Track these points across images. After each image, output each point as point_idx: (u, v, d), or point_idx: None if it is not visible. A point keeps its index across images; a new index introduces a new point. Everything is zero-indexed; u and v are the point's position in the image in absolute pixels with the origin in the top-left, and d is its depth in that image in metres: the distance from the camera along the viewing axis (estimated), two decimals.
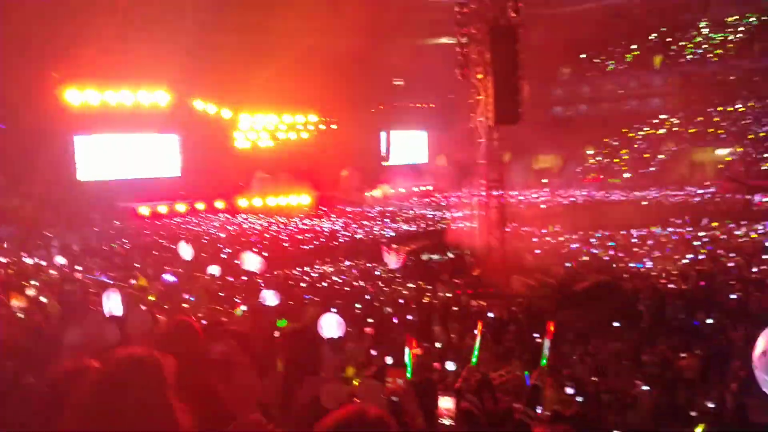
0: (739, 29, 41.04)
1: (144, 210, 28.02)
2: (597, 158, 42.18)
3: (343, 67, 32.12)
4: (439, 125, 41.93)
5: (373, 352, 7.13)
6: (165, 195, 29.48)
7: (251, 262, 6.33)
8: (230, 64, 29.89)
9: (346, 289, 14.22)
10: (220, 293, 11.93)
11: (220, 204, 30.59)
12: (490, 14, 16.32)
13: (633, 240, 18.77)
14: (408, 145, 44.40)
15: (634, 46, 44.80)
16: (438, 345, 8.34)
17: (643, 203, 29.28)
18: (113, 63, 26.87)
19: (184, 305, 9.05)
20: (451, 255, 17.43)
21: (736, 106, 39.38)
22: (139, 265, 16.32)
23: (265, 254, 18.84)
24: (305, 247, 20.57)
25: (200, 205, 29.97)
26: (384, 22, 33.63)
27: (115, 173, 30.19)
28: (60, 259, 12.95)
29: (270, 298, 6.39)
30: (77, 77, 27.40)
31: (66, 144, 28.36)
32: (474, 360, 4.07)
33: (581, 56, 46.38)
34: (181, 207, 29.34)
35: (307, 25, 31.45)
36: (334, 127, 38.79)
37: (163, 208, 28.68)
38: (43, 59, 23.88)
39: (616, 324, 9.67)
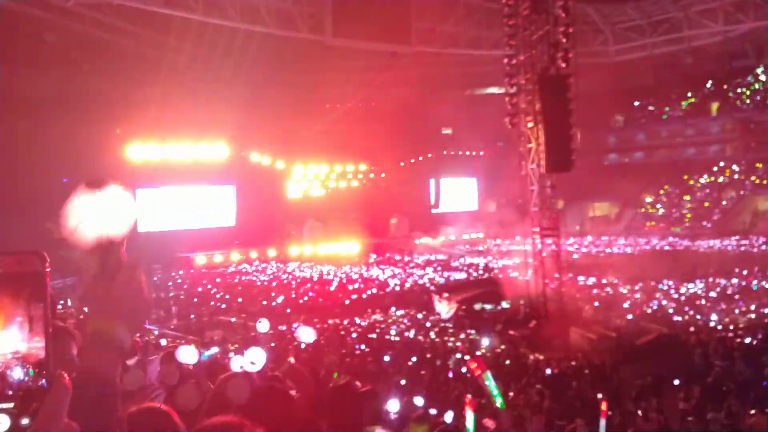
0: None
1: (200, 259, 28.64)
2: (656, 206, 41.10)
3: (393, 117, 32.62)
4: (488, 172, 41.79)
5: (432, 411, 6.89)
6: (221, 244, 30.11)
7: (306, 334, 6.15)
8: (284, 118, 30.85)
9: (396, 339, 14.00)
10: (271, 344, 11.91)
11: (272, 252, 30.99)
12: (538, 64, 16.33)
13: (697, 291, 17.99)
14: (457, 193, 44.34)
15: (689, 93, 44.04)
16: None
17: (707, 253, 28.18)
18: (173, 119, 28.07)
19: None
20: (504, 305, 17.02)
21: None
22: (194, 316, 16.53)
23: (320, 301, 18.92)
24: (355, 296, 20.49)
25: (254, 254, 30.42)
26: (433, 75, 34.18)
27: (173, 224, 31.10)
28: None
29: (306, 334, 6.22)
30: (139, 133, 28.65)
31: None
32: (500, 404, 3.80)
33: (635, 103, 45.87)
34: (235, 256, 29.86)
35: (357, 78, 32.29)
36: (383, 175, 39.18)
37: (218, 258, 29.25)
38: (107, 116, 25.07)
39: (680, 379, 9.20)
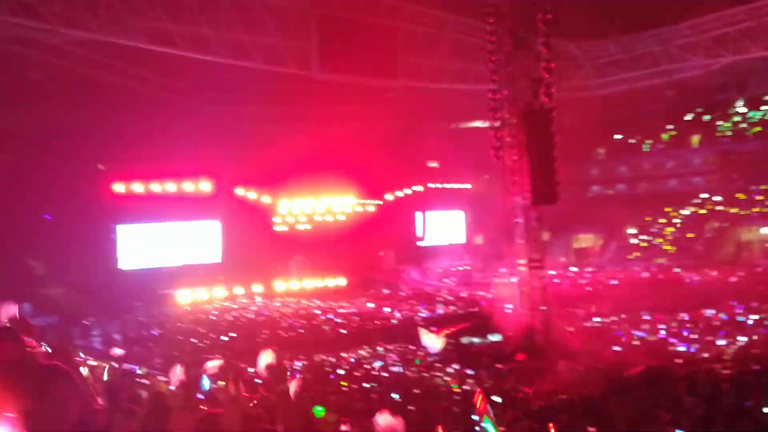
0: None
1: (183, 296, 28.28)
2: (639, 237, 41.44)
3: (379, 151, 32.80)
4: (475, 205, 42.05)
5: None
6: (205, 281, 29.79)
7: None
8: (270, 152, 30.85)
9: (383, 375, 13.84)
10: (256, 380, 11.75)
11: (258, 288, 30.73)
12: (522, 99, 16.61)
13: (683, 322, 18.03)
14: (444, 225, 44.45)
15: (670, 126, 44.86)
16: None
17: (691, 284, 28.36)
18: (157, 154, 27.95)
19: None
20: (492, 338, 16.95)
21: None
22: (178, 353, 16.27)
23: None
24: (343, 330, 20.32)
25: (239, 290, 30.15)
26: (419, 109, 34.58)
27: (156, 261, 30.73)
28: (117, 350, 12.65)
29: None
30: (122, 168, 28.47)
31: (108, 233, 29.05)
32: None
33: (617, 136, 46.60)
34: (219, 292, 29.56)
35: (344, 112, 32.59)
36: (370, 209, 39.22)
37: (202, 294, 28.92)
38: (90, 151, 24.95)
39: (668, 411, 9.16)
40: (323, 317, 23.12)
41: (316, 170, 32.85)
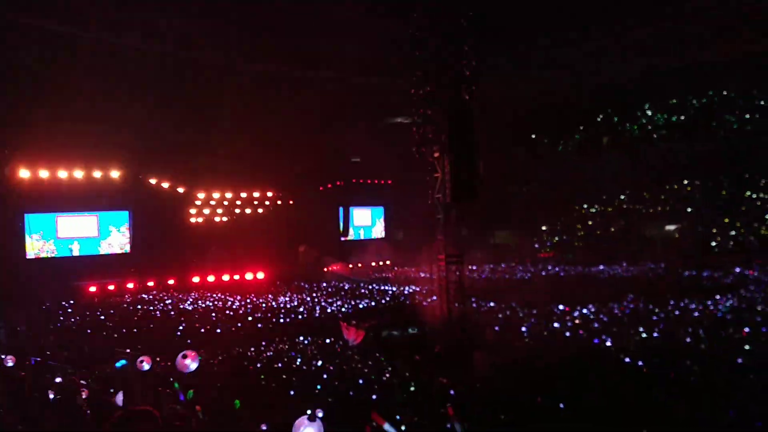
0: (681, 111, 43.47)
1: (93, 288, 27.18)
2: (551, 234, 43.14)
3: (301, 144, 32.53)
4: (397, 201, 42.50)
5: None
6: (116, 272, 28.73)
7: (191, 366, 5.70)
8: (186, 141, 29.97)
9: (303, 368, 13.76)
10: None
11: (171, 281, 29.86)
12: (445, 97, 16.84)
13: (590, 315, 18.90)
14: (366, 221, 44.67)
15: (582, 127, 46.90)
16: (402, 428, 8.04)
17: (598, 278, 29.80)
18: (66, 140, 26.63)
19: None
20: (411, 331, 17.18)
21: (683, 184, 41.17)
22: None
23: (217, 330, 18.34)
24: (260, 325, 20.03)
25: (150, 283, 29.22)
26: (342, 103, 34.49)
27: (65, 251, 29.42)
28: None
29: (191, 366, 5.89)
30: (28, 154, 27.00)
31: (15, 222, 27.62)
32: None
33: (533, 136, 48.28)
34: (130, 284, 28.57)
35: (264, 103, 32.04)
36: (291, 202, 38.84)
37: (112, 286, 27.89)
38: None
39: (576, 400, 9.56)
40: (241, 311, 22.72)
41: (234, 161, 32.15)
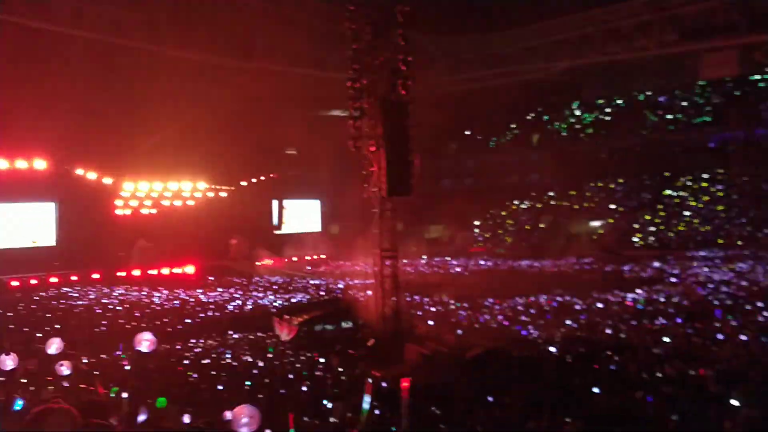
0: (607, 110, 45.20)
1: (14, 282, 25.88)
2: (483, 229, 44.02)
3: (235, 135, 31.89)
4: (332, 194, 42.33)
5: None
6: (40, 265, 27.46)
7: (145, 344, 5.64)
8: (114, 131, 28.85)
9: (234, 364, 13.51)
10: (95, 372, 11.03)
11: (96, 275, 28.73)
12: (380, 90, 16.85)
13: (519, 308, 19.42)
14: (301, 214, 44.28)
15: (513, 125, 48.06)
16: (332, 420, 8.01)
17: (527, 272, 30.64)
18: None
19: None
20: (345, 325, 17.16)
21: (607, 182, 42.85)
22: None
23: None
24: (189, 320, 19.53)
25: (75, 277, 28.02)
26: (277, 94, 34.01)
27: None
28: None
29: (145, 344, 5.76)
30: None
31: None
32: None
33: (466, 132, 49.11)
34: (54, 278, 27.33)
35: (196, 93, 31.20)
36: (223, 194, 38.03)
37: (34, 280, 26.61)
38: None
39: (504, 391, 9.79)
40: (168, 306, 22.09)
41: (164, 152, 31.17)
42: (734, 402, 8.21)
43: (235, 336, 17.46)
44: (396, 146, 16.43)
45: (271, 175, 40.68)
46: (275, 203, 42.16)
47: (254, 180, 39.67)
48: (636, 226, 38.08)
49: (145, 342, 5.67)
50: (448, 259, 37.64)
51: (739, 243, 32.91)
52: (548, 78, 39.97)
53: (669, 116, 42.19)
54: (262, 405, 9.40)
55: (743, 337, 12.58)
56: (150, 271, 30.49)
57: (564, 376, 10.67)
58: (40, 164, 28.60)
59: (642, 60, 37.25)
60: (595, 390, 9.36)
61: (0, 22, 23.07)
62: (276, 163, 41.09)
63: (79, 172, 30.66)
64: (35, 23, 23.36)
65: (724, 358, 10.93)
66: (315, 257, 39.28)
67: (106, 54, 27.20)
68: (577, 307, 19.08)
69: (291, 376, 11.92)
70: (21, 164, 28.08)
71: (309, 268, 35.49)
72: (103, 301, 23.31)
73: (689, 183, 39.61)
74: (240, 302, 23.01)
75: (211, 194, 37.18)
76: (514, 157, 47.99)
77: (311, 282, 28.79)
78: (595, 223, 40.51)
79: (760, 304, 16.63)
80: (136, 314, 20.35)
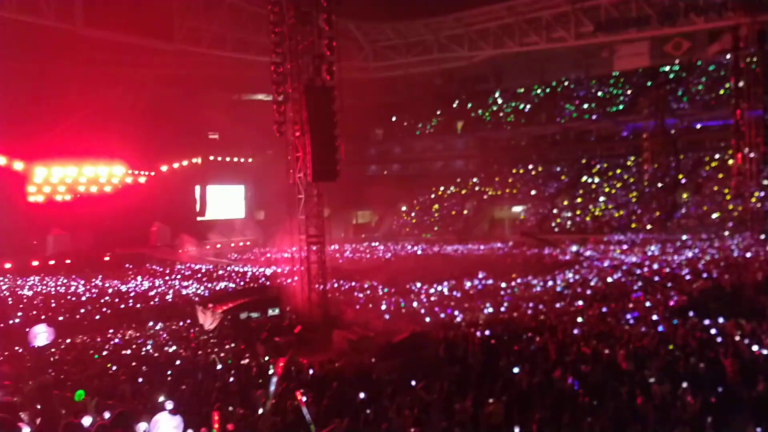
0: (528, 99, 46.51)
1: None
2: (410, 214, 44.51)
3: (155, 118, 30.80)
4: (257, 180, 41.67)
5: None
6: None
7: (41, 336, 5.32)
8: (24, 114, 27.22)
9: (155, 355, 13.15)
10: None
11: (8, 265, 27.18)
12: (305, 74, 16.69)
13: (444, 291, 19.80)
14: (225, 200, 43.36)
15: (438, 112, 48.67)
16: (260, 411, 7.92)
17: (452, 256, 31.21)
18: None
19: None
20: (271, 312, 16.99)
21: (528, 168, 44.16)
22: None
23: (60, 318, 17.02)
24: (107, 310, 18.84)
25: None
26: (199, 76, 33.05)
27: None
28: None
29: (41, 337, 5.47)
30: None
31: None
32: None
33: (393, 119, 49.37)
34: None
35: (112, 73, 29.90)
36: (142, 180, 36.72)
37: None
38: None
39: (428, 373, 9.97)
40: (85, 296, 21.21)
41: (79, 136, 29.69)
42: (647, 379, 8.73)
43: (156, 326, 16.97)
44: (321, 131, 16.34)
45: (194, 160, 39.58)
46: (198, 188, 41.09)
47: (176, 165, 38.46)
48: (555, 211, 39.47)
49: (40, 335, 5.34)
50: (376, 244, 37.85)
51: (650, 227, 34.67)
52: (471, 67, 40.73)
53: (585, 105, 43.84)
54: (186, 396, 9.24)
55: (654, 317, 13.32)
56: (65, 260, 29.13)
57: (487, 357, 10.98)
58: None
59: (559, 50, 38.53)
60: (516, 370, 9.69)
61: None
62: (199, 148, 39.99)
63: None
64: None
65: (636, 337, 11.53)
66: (240, 243, 38.62)
67: (16, 33, 25.59)
68: (500, 289, 19.63)
69: (218, 366, 11.72)
70: None
71: (234, 255, 34.85)
72: (15, 291, 22.13)
73: (604, 170, 41.39)
74: (161, 291, 22.37)
75: (129, 179, 35.81)
76: (439, 143, 48.68)
77: (236, 269, 28.29)
78: (517, 209, 41.75)
79: (669, 285, 17.64)
80: (52, 305, 19.46)
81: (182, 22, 29.12)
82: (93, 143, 30.93)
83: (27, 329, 10.01)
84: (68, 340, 14.79)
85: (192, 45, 30.06)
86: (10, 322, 16.92)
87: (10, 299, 20.49)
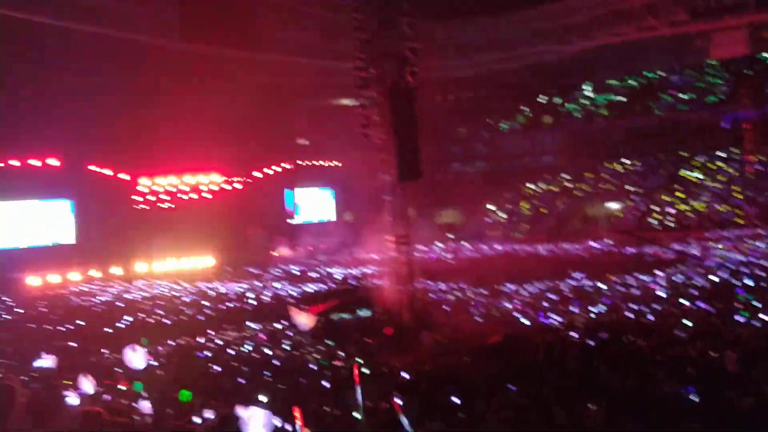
0: (621, 91, 44.66)
1: (34, 281, 26.16)
2: (498, 213, 43.84)
3: (247, 127, 31.98)
4: (345, 182, 42.40)
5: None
6: (59, 263, 27.76)
7: (135, 359, 5.43)
8: (129, 126, 29.01)
9: (254, 355, 13.64)
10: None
11: (117, 270, 29.03)
12: (388, 78, 16.84)
13: (537, 293, 19.35)
14: (315, 203, 44.44)
15: (524, 107, 47.64)
16: (355, 414, 8.02)
17: (544, 256, 30.47)
18: (1, 127, 25.38)
19: None
20: (362, 314, 17.23)
21: (623, 162, 42.40)
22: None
23: (167, 322, 18.01)
24: (209, 312, 19.73)
25: (95, 273, 28.34)
26: (288, 84, 34.01)
27: (3, 242, 28.17)
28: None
29: (137, 359, 5.64)
30: None
31: None
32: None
33: (477, 117, 48.79)
34: (74, 276, 27.59)
35: (208, 86, 31.27)
36: (238, 186, 38.23)
37: (55, 278, 26.87)
38: None
39: (525, 378, 9.77)
40: (188, 299, 22.31)
41: (179, 146, 31.32)
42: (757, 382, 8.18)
43: (254, 327, 17.58)
44: (405, 133, 16.46)
45: (285, 166, 40.86)
46: (289, 193, 42.33)
47: (268, 171, 39.84)
48: (654, 207, 37.69)
49: (136, 357, 5.41)
50: (463, 244, 37.55)
51: (757, 223, 32.48)
52: (558, 60, 39.56)
53: (682, 96, 41.64)
54: (283, 396, 9.51)
55: (764, 317, 12.48)
56: (169, 265, 30.78)
57: (586, 361, 10.63)
58: (54, 162, 28.90)
59: (653, 40, 36.73)
60: (618, 375, 9.32)
61: (9, 19, 23.19)
62: (289, 153, 41.26)
63: (95, 168, 30.93)
64: (44, 19, 23.43)
65: (744, 339, 10.84)
66: (329, 246, 39.43)
67: (118, 49, 27.29)
68: (597, 290, 18.96)
69: (313, 367, 11.99)
70: (35, 162, 28.36)
71: (324, 257, 35.62)
72: (124, 296, 23.61)
73: (704, 162, 39.15)
74: (257, 293, 23.18)
75: (226, 186, 37.42)
76: (526, 139, 47.60)
77: (327, 271, 28.90)
78: (612, 205, 40.17)
79: None
80: (159, 307, 20.62)
81: (270, 32, 30.08)
82: (192, 153, 32.53)
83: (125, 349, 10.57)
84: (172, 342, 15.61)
85: (281, 54, 30.98)
86: (118, 325, 18.06)
87: (118, 303, 21.85)
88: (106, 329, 17.42)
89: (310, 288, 23.77)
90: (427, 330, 14.75)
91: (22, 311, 20.75)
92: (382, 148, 16.97)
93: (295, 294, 22.42)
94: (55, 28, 24.22)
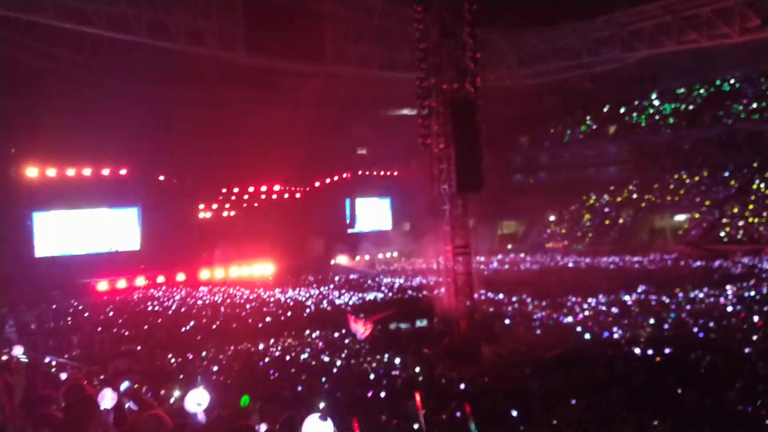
0: (689, 100, 43.11)
1: (102, 285, 27.25)
2: (559, 224, 42.93)
3: (307, 138, 32.51)
4: (402, 192, 42.50)
5: None
6: (125, 269, 28.85)
7: (193, 402, 5.21)
8: (192, 137, 30.01)
9: (312, 363, 13.76)
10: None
11: (181, 276, 29.93)
12: (449, 88, 16.76)
13: (600, 306, 18.82)
14: (373, 212, 44.68)
15: (588, 117, 46.59)
16: (416, 427, 7.96)
17: (607, 269, 29.61)
18: (73, 137, 26.72)
19: None
20: (419, 324, 17.14)
21: (691, 174, 40.81)
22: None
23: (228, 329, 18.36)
24: (269, 319, 20.05)
25: (160, 279, 29.30)
26: (348, 95, 34.41)
27: (74, 248, 29.52)
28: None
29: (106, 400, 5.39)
30: (36, 152, 27.14)
31: (24, 220, 27.84)
32: None
33: (539, 126, 48.03)
34: (140, 281, 28.63)
35: (269, 98, 32.01)
36: (298, 195, 38.91)
37: (122, 283, 27.93)
38: (2, 135, 23.53)
39: (586, 392, 9.51)
40: (249, 306, 22.74)
41: (242, 156, 32.20)
42: None
43: (313, 335, 17.74)
44: (465, 142, 16.30)
45: (344, 175, 41.33)
46: (348, 202, 42.74)
47: (327, 180, 40.40)
48: (724, 219, 36.06)
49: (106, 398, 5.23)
50: (523, 255, 36.94)
51: None
52: (623, 69, 38.46)
53: (754, 105, 39.78)
54: (341, 404, 9.56)
55: None
56: (231, 272, 31.51)
57: (651, 377, 10.25)
58: (124, 171, 30.24)
59: (722, 47, 35.25)
60: (683, 391, 8.96)
61: (74, 34, 24.37)
62: (348, 163, 41.74)
63: (161, 178, 32.12)
64: (116, 34, 24.52)
65: None
66: (388, 255, 39.53)
67: (186, 62, 28.30)
68: (663, 304, 18.29)
69: (371, 375, 12.00)
70: (105, 171, 29.74)
71: (382, 266, 35.72)
72: (187, 301, 24.28)
73: None
74: (316, 301, 23.40)
75: (286, 195, 38.13)
76: (589, 149, 46.52)
77: (385, 280, 28.94)
78: (680, 217, 38.69)
79: None
80: (221, 313, 21.10)
81: (333, 45, 30.54)
82: (254, 162, 33.34)
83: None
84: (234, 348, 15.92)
85: (341, 66, 31.39)
86: (183, 329, 18.58)
87: (182, 309, 22.48)
88: (170, 334, 17.94)
89: (368, 297, 23.83)
90: (487, 342, 14.54)
91: (92, 316, 21.61)
92: (441, 158, 16.89)
93: (352, 302, 22.54)
94: (124, 43, 25.29)
